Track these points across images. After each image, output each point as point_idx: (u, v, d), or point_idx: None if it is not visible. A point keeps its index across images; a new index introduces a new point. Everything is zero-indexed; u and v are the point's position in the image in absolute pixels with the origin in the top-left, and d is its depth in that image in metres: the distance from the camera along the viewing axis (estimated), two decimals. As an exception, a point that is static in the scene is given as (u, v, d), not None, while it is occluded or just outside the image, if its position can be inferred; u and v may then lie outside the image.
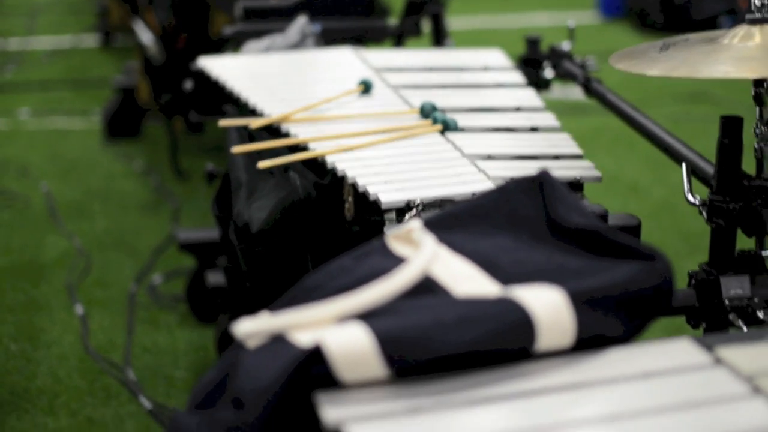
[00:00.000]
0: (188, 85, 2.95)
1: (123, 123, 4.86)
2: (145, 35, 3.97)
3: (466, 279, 1.10)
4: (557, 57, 2.87)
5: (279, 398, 0.96)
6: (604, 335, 1.06)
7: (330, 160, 1.88)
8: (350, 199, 1.83)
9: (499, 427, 0.93)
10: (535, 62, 2.89)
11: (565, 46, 2.86)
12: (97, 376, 2.84)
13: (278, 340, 1.04)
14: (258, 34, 2.90)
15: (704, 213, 1.68)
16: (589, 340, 1.05)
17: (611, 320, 1.06)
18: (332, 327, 1.00)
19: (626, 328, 1.08)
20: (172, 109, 4.16)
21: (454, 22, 7.69)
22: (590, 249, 1.14)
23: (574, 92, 5.51)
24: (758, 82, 1.70)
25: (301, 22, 2.85)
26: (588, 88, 2.62)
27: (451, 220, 1.20)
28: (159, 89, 4.13)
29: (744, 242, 1.73)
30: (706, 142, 2.00)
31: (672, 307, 1.13)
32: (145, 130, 4.96)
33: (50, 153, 4.79)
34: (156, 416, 2.63)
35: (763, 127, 1.71)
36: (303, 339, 1.02)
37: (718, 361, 1.04)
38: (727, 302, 1.59)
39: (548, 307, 1.02)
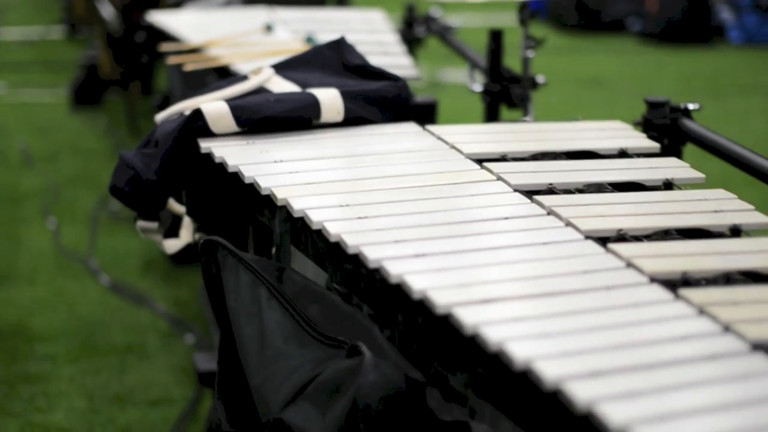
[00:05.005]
0: (140, 36, 3.76)
1: (87, 94, 5.65)
2: (107, 10, 4.77)
3: (287, 89, 1.93)
4: (430, 20, 3.71)
5: (177, 138, 1.77)
6: (364, 117, 1.88)
7: (236, 66, 2.68)
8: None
9: (299, 153, 1.75)
10: (411, 23, 3.73)
11: (435, 12, 3.70)
12: (67, 264, 3.63)
13: (179, 115, 1.86)
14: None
15: (481, 94, 2.52)
16: (356, 120, 1.88)
17: (369, 109, 1.89)
18: (207, 103, 1.82)
19: (383, 116, 1.91)
20: (129, 78, 4.96)
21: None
22: (363, 75, 1.97)
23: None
24: (521, 9, 2.53)
25: (228, -11, 3.68)
26: (443, 37, 3.45)
27: (285, 64, 2.03)
28: (119, 57, 4.92)
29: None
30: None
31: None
32: (106, 100, 5.75)
33: (24, 118, 5.57)
34: (113, 289, 3.42)
35: (526, 41, 2.54)
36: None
37: (425, 129, 1.87)
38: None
39: (328, 96, 1.85)
